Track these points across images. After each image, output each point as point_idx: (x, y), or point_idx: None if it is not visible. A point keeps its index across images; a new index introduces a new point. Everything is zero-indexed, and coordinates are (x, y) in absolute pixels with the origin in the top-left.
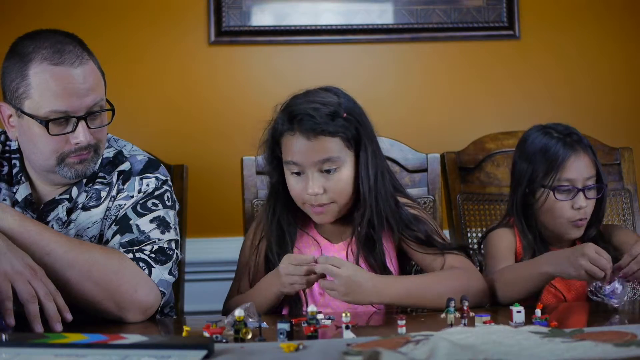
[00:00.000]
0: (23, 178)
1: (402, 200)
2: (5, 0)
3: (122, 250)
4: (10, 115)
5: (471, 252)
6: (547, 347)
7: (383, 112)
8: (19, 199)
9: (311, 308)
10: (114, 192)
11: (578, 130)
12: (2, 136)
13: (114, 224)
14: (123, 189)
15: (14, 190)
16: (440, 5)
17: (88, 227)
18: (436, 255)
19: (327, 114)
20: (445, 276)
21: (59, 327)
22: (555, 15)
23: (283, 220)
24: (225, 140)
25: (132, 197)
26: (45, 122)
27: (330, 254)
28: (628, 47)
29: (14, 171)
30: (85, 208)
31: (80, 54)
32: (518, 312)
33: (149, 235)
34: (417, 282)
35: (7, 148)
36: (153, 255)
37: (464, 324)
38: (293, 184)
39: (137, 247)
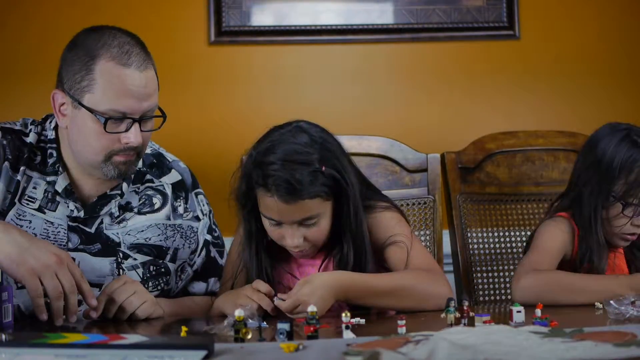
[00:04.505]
0: (61, 169)
1: (379, 203)
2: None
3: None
4: (63, 104)
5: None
6: (547, 347)
7: (383, 112)
8: (59, 190)
9: (311, 308)
10: (180, 208)
11: None
12: (39, 127)
13: (201, 256)
14: (187, 207)
15: (48, 180)
16: (440, 5)
17: (142, 230)
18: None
19: (306, 177)
20: (410, 278)
21: (74, 318)
22: (555, 15)
23: (265, 262)
24: (225, 140)
25: (199, 218)
26: (103, 118)
27: (307, 267)
28: (628, 47)
29: (50, 161)
30: (140, 212)
31: (145, 59)
32: (518, 312)
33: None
34: (380, 281)
35: (42, 138)
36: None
37: (464, 324)
38: (272, 231)
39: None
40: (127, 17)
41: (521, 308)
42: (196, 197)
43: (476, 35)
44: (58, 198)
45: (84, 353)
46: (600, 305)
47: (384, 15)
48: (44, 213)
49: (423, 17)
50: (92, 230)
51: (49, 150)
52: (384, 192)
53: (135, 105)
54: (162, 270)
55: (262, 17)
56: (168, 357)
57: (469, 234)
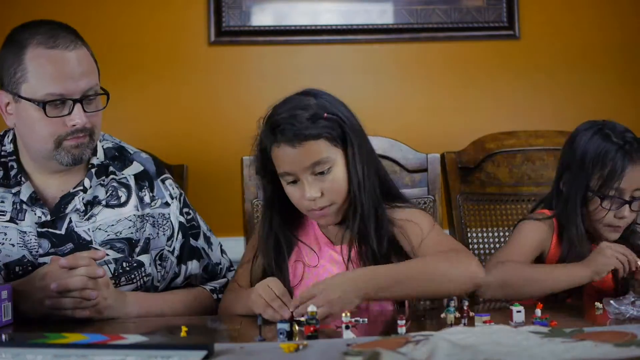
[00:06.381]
0: (23, 178)
1: (398, 204)
2: None
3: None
4: (8, 103)
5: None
6: (547, 347)
7: (383, 112)
8: (24, 199)
9: (311, 308)
10: (145, 197)
11: (634, 134)
12: None
13: (178, 240)
14: (154, 196)
15: (14, 191)
16: (440, 5)
17: (112, 225)
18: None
19: (307, 118)
20: (430, 260)
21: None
22: (555, 15)
23: (280, 233)
24: (225, 140)
25: (168, 203)
26: (42, 104)
27: (329, 254)
28: (628, 47)
29: (12, 173)
30: (108, 205)
31: (74, 40)
32: (518, 312)
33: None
34: (401, 268)
35: (2, 153)
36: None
37: (464, 324)
38: (291, 192)
39: (218, 286)
40: (127, 17)
41: (521, 308)
42: (162, 183)
43: (476, 35)
44: (25, 207)
45: (84, 353)
46: (600, 306)
47: (384, 15)
48: (17, 224)
49: (423, 17)
50: (63, 231)
51: (10, 163)
52: None
53: (71, 86)
54: (135, 264)
55: (262, 17)
56: (168, 357)
57: (469, 234)
